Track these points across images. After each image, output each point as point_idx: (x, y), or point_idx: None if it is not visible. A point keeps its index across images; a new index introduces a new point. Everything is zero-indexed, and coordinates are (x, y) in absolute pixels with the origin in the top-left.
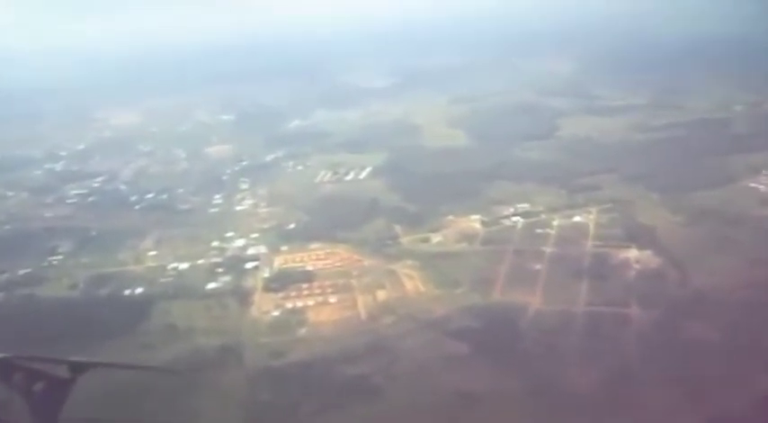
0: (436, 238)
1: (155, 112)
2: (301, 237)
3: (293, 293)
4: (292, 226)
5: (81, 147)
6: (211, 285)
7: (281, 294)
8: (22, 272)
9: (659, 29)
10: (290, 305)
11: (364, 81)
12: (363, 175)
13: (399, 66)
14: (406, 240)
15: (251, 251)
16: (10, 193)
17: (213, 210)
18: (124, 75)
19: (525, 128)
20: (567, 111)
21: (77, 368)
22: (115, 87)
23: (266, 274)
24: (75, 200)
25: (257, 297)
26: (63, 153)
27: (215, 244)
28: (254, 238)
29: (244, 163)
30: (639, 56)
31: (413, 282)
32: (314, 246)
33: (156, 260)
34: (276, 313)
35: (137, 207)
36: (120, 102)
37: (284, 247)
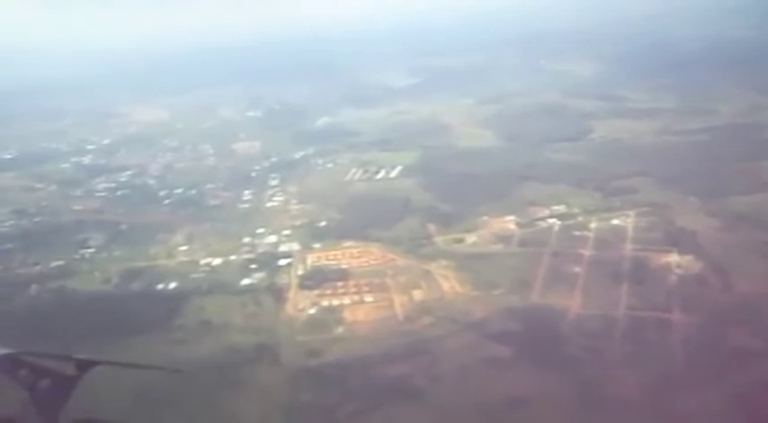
0: (471, 239)
1: (179, 108)
2: (333, 234)
3: (328, 291)
4: (324, 223)
5: (107, 141)
6: (245, 281)
7: (316, 292)
8: (54, 264)
9: (680, 31)
10: (325, 303)
11: (387, 80)
12: (394, 173)
13: (421, 65)
14: (440, 240)
15: (283, 248)
16: (38, 186)
17: (243, 206)
18: (146, 71)
19: (554, 129)
20: (595, 113)
21: (83, 366)
22: (137, 84)
23: (300, 272)
24: (104, 193)
25: (292, 294)
26: (90, 147)
27: (246, 240)
28: (286, 235)
29: (273, 159)
30: (662, 59)
31: (449, 282)
32: (347, 244)
33: (187, 255)
34: (312, 311)
35: (166, 202)
36: (144, 98)
37: (317, 245)
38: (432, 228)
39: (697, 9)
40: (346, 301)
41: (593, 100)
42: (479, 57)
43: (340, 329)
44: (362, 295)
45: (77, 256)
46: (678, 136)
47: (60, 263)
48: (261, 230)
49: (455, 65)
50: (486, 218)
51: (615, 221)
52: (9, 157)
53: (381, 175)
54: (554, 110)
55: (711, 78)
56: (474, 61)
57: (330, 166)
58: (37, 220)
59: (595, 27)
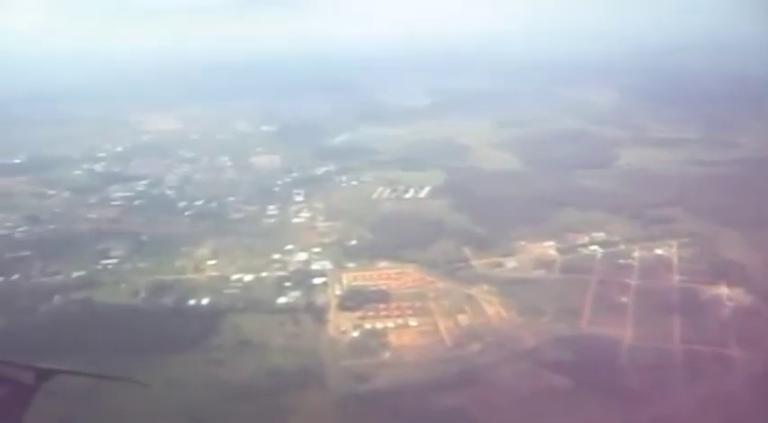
0: (511, 264)
1: (192, 119)
2: (366, 254)
3: (370, 313)
4: (354, 242)
5: (119, 149)
6: (281, 300)
7: (357, 314)
8: (75, 274)
9: (695, 65)
10: (368, 326)
11: (402, 99)
12: (423, 194)
13: (435, 87)
14: (478, 264)
15: (315, 266)
16: (51, 192)
17: (268, 220)
18: (155, 81)
19: (578, 155)
20: (618, 140)
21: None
22: (147, 93)
23: (338, 291)
24: (120, 202)
25: (332, 315)
26: (101, 154)
27: (276, 256)
28: (317, 253)
29: (294, 175)
30: (679, 90)
31: (494, 308)
32: (381, 264)
33: (217, 270)
34: (355, 334)
35: (186, 213)
36: (154, 107)
37: (350, 264)
38: (468, 251)
39: (710, 45)
40: (390, 324)
41: (614, 128)
42: (492, 81)
43: (386, 354)
44: (406, 319)
45: (100, 267)
46: (705, 167)
47: (82, 273)
48: (289, 247)
49: (468, 88)
50: (523, 242)
51: (659, 251)
52: (18, 161)
53: (410, 194)
54: (575, 136)
55: (730, 111)
56: (487, 85)
57: (355, 183)
58: (51, 227)
59: (610, 56)
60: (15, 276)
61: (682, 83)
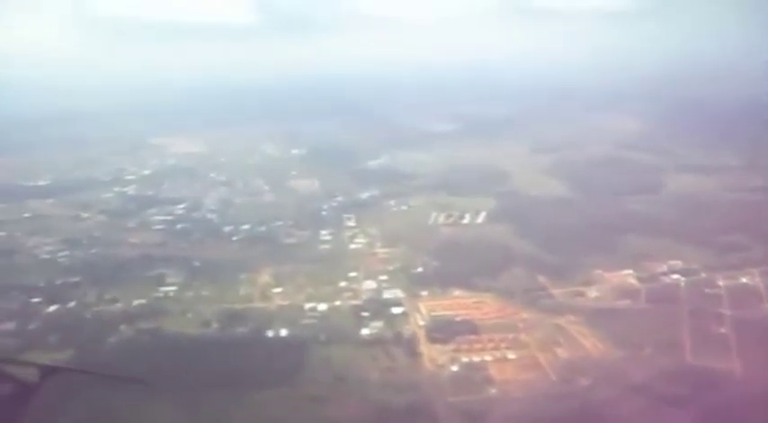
0: (592, 293)
1: (216, 142)
2: (436, 282)
3: (464, 346)
4: (420, 269)
5: (147, 172)
6: (365, 331)
7: (450, 346)
8: (136, 302)
9: (714, 91)
10: (464, 359)
11: (426, 124)
12: (480, 219)
13: (455, 112)
14: (558, 293)
15: (387, 294)
16: (85, 215)
17: (324, 246)
18: (172, 104)
19: (623, 181)
20: (657, 166)
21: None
22: (167, 115)
23: (421, 322)
24: (161, 226)
25: (424, 348)
26: (130, 177)
27: (342, 284)
28: (385, 281)
29: (339, 199)
30: (703, 117)
31: (588, 340)
32: (456, 293)
33: (285, 298)
34: (454, 368)
35: (234, 238)
36: (176, 130)
37: (423, 292)
38: (543, 279)
39: (725, 72)
40: (487, 357)
41: (647, 153)
42: (513, 107)
43: (492, 390)
44: (503, 351)
45: (160, 294)
46: (755, 193)
47: (143, 301)
48: (353, 274)
49: (489, 114)
50: (599, 271)
51: (744, 280)
52: (43, 183)
53: (467, 220)
54: (611, 162)
55: (758, 136)
56: (509, 111)
57: (405, 208)
58: (93, 251)
59: (625, 82)
60: (72, 304)
61: (704, 110)
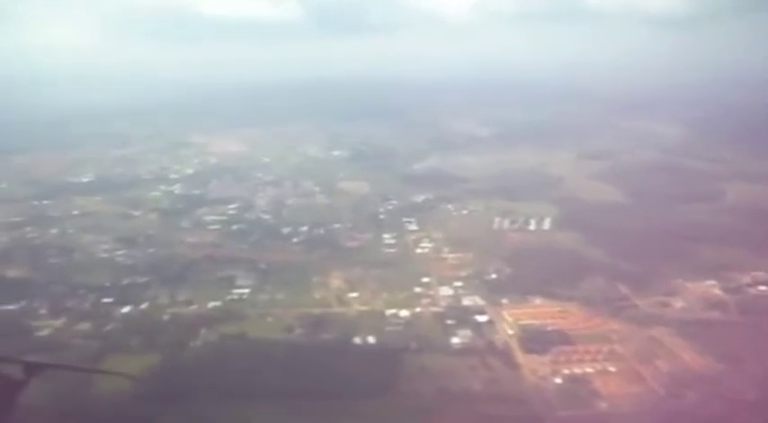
0: (678, 304)
1: (255, 141)
2: (513, 289)
3: (561, 358)
4: (494, 276)
5: (190, 171)
6: (455, 340)
7: (547, 357)
8: (211, 305)
9: (750, 99)
10: (566, 371)
11: (467, 128)
12: (546, 225)
13: (491, 116)
14: (642, 303)
15: (466, 302)
16: (135, 213)
17: (389, 250)
18: (208, 102)
19: (679, 188)
20: (712, 173)
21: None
22: (203, 114)
23: (510, 331)
24: (216, 226)
25: (522, 359)
26: (174, 176)
27: (417, 290)
28: (461, 287)
29: (393, 202)
30: (750, 124)
31: (686, 352)
32: (537, 301)
33: (363, 304)
34: (558, 380)
35: (294, 240)
36: (213, 128)
37: (504, 300)
38: (624, 289)
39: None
40: (588, 369)
41: (697, 160)
42: (549, 111)
43: (602, 404)
44: (603, 363)
45: (234, 297)
46: None
47: (217, 304)
48: (426, 279)
49: (532, 118)
50: (680, 280)
51: None
52: (86, 180)
53: (533, 226)
54: (662, 168)
55: None
56: (550, 115)
57: (465, 212)
58: (150, 250)
59: (661, 88)
60: (144, 305)
61: (748, 116)
